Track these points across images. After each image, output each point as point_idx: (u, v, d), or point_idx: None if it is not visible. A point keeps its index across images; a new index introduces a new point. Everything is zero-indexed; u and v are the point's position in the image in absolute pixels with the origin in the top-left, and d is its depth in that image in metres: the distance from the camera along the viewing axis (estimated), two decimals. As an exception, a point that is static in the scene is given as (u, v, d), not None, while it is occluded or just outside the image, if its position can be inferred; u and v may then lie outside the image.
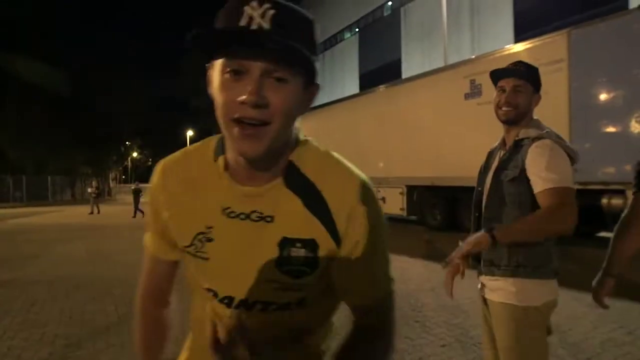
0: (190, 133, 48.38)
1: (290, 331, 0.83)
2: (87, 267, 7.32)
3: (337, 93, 30.17)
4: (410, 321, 4.25)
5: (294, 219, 0.76)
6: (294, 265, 0.76)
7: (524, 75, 1.81)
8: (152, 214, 0.89)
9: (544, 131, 1.74)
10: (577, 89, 7.51)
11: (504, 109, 1.81)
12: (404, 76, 25.07)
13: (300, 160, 0.79)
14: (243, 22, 0.68)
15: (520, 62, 1.86)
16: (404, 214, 12.08)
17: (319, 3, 41.57)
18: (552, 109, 7.89)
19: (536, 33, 9.12)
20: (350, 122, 14.40)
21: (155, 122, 49.65)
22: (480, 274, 1.86)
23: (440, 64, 15.62)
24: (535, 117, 1.86)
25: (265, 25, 0.68)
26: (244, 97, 0.67)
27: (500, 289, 1.74)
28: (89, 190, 22.09)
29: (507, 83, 1.82)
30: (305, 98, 0.77)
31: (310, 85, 0.77)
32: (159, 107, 48.75)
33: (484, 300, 1.86)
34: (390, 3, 31.90)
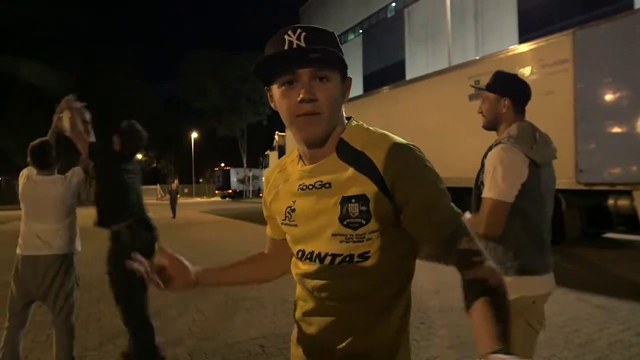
0: (194, 135, 48.48)
1: (360, 285, 0.97)
2: (93, 268, 7.33)
3: (341, 94, 30.18)
4: (416, 323, 4.25)
5: (348, 181, 0.96)
6: (352, 218, 0.94)
7: (487, 87, 2.01)
8: (264, 208, 1.19)
9: (507, 136, 1.86)
10: (582, 89, 7.48)
11: (483, 119, 2.03)
12: (408, 77, 25.05)
13: (350, 137, 1.00)
14: (286, 47, 0.92)
15: (493, 74, 2.04)
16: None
17: (322, 5, 41.71)
18: (557, 109, 7.88)
19: (541, 33, 9.12)
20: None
21: (160, 124, 49.79)
22: None
23: (444, 65, 15.61)
24: (527, 119, 1.97)
25: (302, 44, 0.91)
26: (300, 96, 0.92)
27: None
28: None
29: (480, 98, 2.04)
30: (344, 90, 1.01)
31: (345, 79, 1.01)
32: (163, 109, 48.83)
33: None
34: (394, 4, 31.91)
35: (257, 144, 40.40)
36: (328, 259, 0.98)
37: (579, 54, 7.49)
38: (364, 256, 0.95)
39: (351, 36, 37.48)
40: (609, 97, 7.28)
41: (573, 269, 6.65)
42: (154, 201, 41.76)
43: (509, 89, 1.97)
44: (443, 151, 10.40)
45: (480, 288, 0.88)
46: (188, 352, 3.56)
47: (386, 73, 29.64)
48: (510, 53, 8.94)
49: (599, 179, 7.39)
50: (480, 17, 23.74)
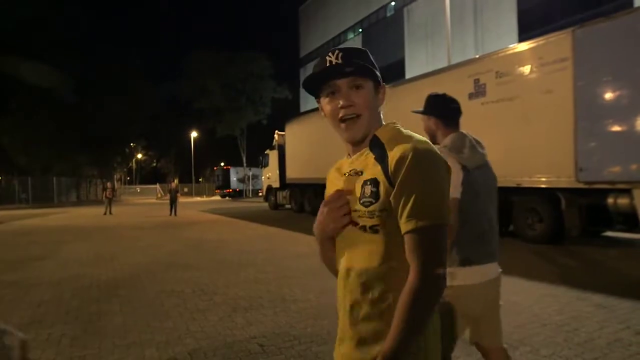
0: (194, 134, 48.45)
1: (371, 252, 1.12)
2: (92, 268, 7.34)
3: (341, 93, 30.17)
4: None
5: (369, 168, 1.15)
6: (365, 198, 1.12)
7: (419, 111, 2.38)
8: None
9: (442, 146, 2.18)
10: (581, 87, 7.47)
11: None
12: (407, 76, 25.04)
13: (381, 133, 1.18)
14: (327, 64, 1.16)
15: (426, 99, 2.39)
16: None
17: (322, 4, 41.67)
18: (556, 108, 7.88)
19: (540, 32, 9.10)
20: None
21: (160, 123, 49.75)
22: None
23: (444, 64, 15.60)
24: (462, 131, 2.27)
25: (339, 61, 1.15)
26: (340, 103, 1.16)
27: None
28: (105, 192, 22.26)
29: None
30: (379, 95, 1.21)
31: (379, 86, 1.21)
32: (163, 109, 48.75)
33: None
34: (393, 3, 31.90)
35: (257, 144, 40.35)
36: (349, 226, 1.17)
37: (578, 52, 7.48)
38: (374, 229, 1.11)
39: (351, 35, 37.45)
40: (608, 95, 7.28)
41: (573, 268, 6.65)
42: (153, 200, 41.71)
43: (434, 109, 2.33)
44: (443, 150, 10.39)
45: (403, 296, 1.05)
46: (188, 352, 3.56)
47: (386, 72, 29.50)
48: (510, 51, 8.93)
49: (598, 178, 7.38)
50: (480, 15, 23.72)
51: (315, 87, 1.22)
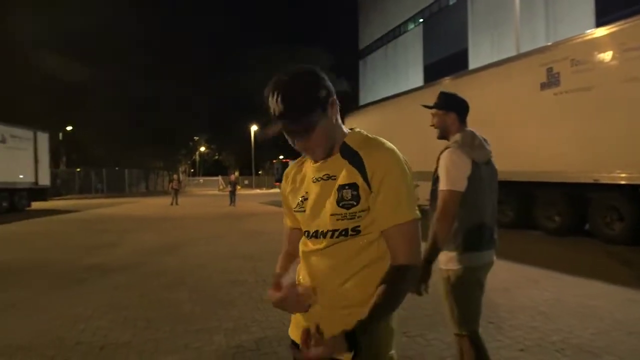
0: (254, 127, 49.58)
1: (350, 250, 1.22)
2: (161, 256, 7.71)
3: (401, 86, 29.64)
4: (484, 322, 4.04)
5: (344, 173, 1.22)
6: (346, 201, 1.20)
7: (435, 105, 2.50)
8: (282, 199, 1.44)
9: (455, 142, 2.32)
10: (672, 75, 6.81)
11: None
12: (470, 67, 24.11)
13: (351, 140, 1.27)
14: (272, 112, 1.17)
15: (438, 95, 2.52)
16: (472, 209, 11.61)
17: (381, -5, 40.92)
18: (641, 96, 7.23)
19: (619, 16, 8.36)
20: (416, 115, 14.04)
21: (221, 117, 51.37)
22: None
23: (510, 53, 14.82)
24: (468, 130, 2.40)
25: (280, 107, 1.15)
26: (297, 147, 1.24)
27: (440, 260, 2.35)
28: (172, 183, 23.41)
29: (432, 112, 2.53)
30: (330, 112, 1.23)
31: (328, 104, 1.22)
32: (225, 103, 50.28)
33: None
34: (456, -9, 30.73)
35: (316, 137, 40.57)
36: (329, 234, 1.23)
37: (669, 36, 6.82)
38: (355, 230, 1.21)
39: (411, 26, 36.58)
40: None
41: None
42: (215, 192, 43.22)
43: (454, 105, 2.45)
44: (512, 145, 9.90)
45: (382, 286, 1.16)
46: (254, 340, 3.63)
47: (447, 63, 28.67)
48: (588, 37, 8.30)
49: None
50: (552, 0, 22.30)
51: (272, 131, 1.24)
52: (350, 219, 1.20)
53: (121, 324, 4.07)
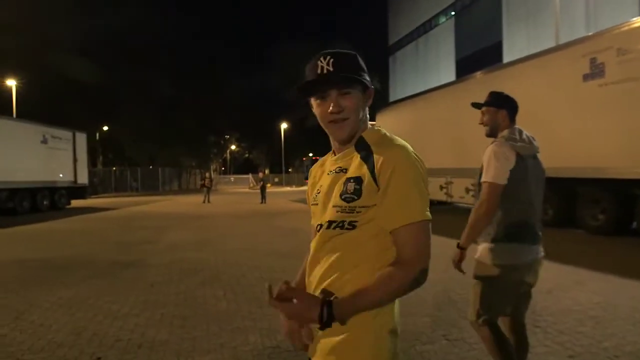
0: (284, 125, 49.80)
1: (347, 254, 1.20)
2: (195, 253, 7.79)
3: (433, 81, 29.11)
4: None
5: (354, 167, 1.24)
6: (348, 194, 1.20)
7: (486, 103, 2.55)
8: (307, 197, 1.46)
9: (502, 137, 2.40)
10: None
11: (484, 128, 2.58)
12: (505, 60, 23.42)
13: (368, 136, 1.27)
14: (319, 71, 1.22)
15: (488, 94, 2.57)
16: (509, 207, 11.25)
17: (412, -11, 40.27)
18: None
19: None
20: (448, 110, 13.74)
21: (252, 115, 51.83)
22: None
23: (548, 44, 14.28)
24: (516, 127, 2.47)
25: (330, 68, 1.21)
26: (330, 109, 1.23)
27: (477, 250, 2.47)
28: (204, 181, 23.82)
29: (481, 111, 2.59)
30: (366, 98, 1.28)
31: (367, 90, 1.27)
32: (254, 101, 50.73)
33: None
34: (490, -18, 29.89)
35: (345, 134, 40.52)
36: (326, 224, 1.23)
37: None
38: (352, 224, 1.19)
39: (442, 19, 35.86)
40: None
41: None
42: (246, 190, 43.67)
43: (507, 103, 2.51)
44: (553, 139, 9.51)
45: (378, 276, 1.15)
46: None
47: (480, 56, 27.95)
48: (635, 25, 7.86)
49: None
50: (592, -12, 21.39)
51: (307, 92, 1.29)
52: (349, 212, 1.19)
53: (158, 322, 4.10)
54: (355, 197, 1.18)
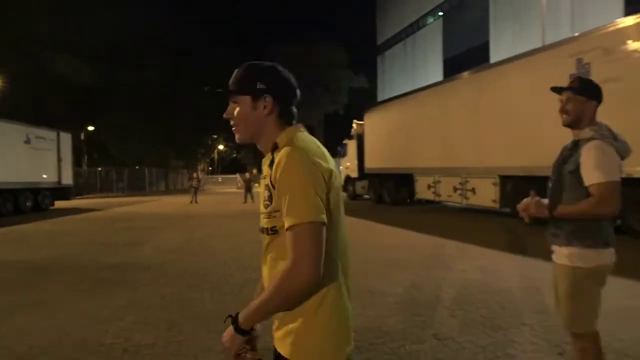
0: (272, 125, 49.59)
1: (277, 249, 1.24)
2: (182, 254, 7.69)
3: (421, 80, 29.24)
4: (516, 323, 3.89)
5: (267, 174, 1.27)
6: (266, 201, 1.25)
7: (573, 89, 2.29)
8: None
9: (597, 133, 2.16)
10: None
11: (563, 116, 2.32)
12: (492, 60, 23.61)
13: (280, 139, 1.29)
14: None
15: (575, 79, 2.35)
16: (497, 206, 11.32)
17: (399, -11, 40.40)
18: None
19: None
20: (436, 110, 13.80)
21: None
22: (551, 243, 2.42)
23: (534, 45, 14.41)
24: (601, 123, 2.25)
25: (230, 81, 1.36)
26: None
27: (562, 255, 2.31)
28: (192, 181, 23.65)
29: (562, 96, 2.32)
30: (259, 105, 1.32)
31: (259, 98, 1.32)
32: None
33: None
34: (477, -17, 30.11)
35: (335, 133, 40.48)
36: (262, 230, 1.30)
37: None
38: (274, 229, 1.24)
39: (430, 19, 36.05)
40: None
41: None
42: (234, 190, 43.41)
43: (598, 94, 2.28)
44: (539, 138, 9.59)
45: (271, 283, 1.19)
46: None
47: (468, 57, 28.13)
48: (620, 26, 7.96)
49: None
50: (577, -11, 21.64)
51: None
52: (270, 218, 1.24)
53: (143, 325, 4.01)
54: (269, 203, 1.23)
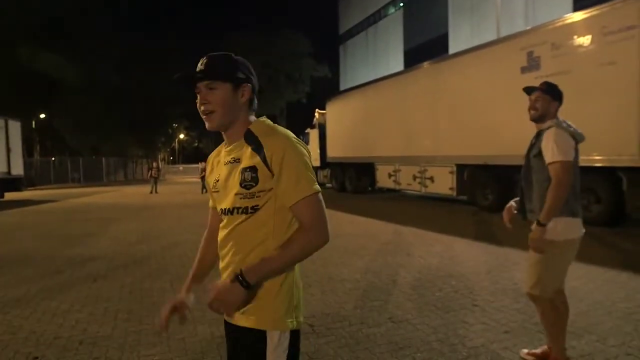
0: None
1: (250, 226, 1.38)
2: (142, 245, 7.57)
3: (382, 70, 29.54)
4: (468, 305, 4.10)
5: (247, 157, 1.39)
6: (247, 182, 1.36)
7: (542, 90, 2.76)
8: (206, 182, 1.63)
9: (554, 123, 2.66)
10: (650, 58, 6.89)
11: (531, 112, 2.80)
12: (450, 51, 24.14)
13: (254, 128, 1.43)
14: (197, 69, 1.41)
15: (543, 83, 2.81)
16: (454, 194, 11.71)
17: (361, -22, 40.47)
18: (620, 81, 7.33)
19: (596, 0, 8.42)
20: (396, 100, 14.03)
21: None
22: (529, 219, 2.81)
23: (490, 37, 14.87)
24: (560, 117, 2.75)
25: (202, 67, 1.40)
26: (199, 104, 1.43)
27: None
28: (151, 171, 22.98)
29: (532, 96, 2.79)
30: (239, 93, 1.43)
31: (239, 86, 1.43)
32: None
33: None
34: (437, -25, 30.55)
35: (297, 122, 40.38)
36: (234, 210, 1.40)
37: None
38: (254, 208, 1.37)
39: (391, 10, 36.36)
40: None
41: (636, 252, 6.26)
42: (196, 179, 42.74)
43: (559, 96, 2.76)
44: (493, 128, 9.97)
45: (283, 243, 1.36)
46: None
47: (428, 48, 28.63)
48: (569, 21, 8.33)
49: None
50: (530, -16, 22.38)
51: (183, 85, 1.45)
52: (250, 198, 1.36)
53: (101, 317, 3.97)
54: (254, 184, 1.35)
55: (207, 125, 1.44)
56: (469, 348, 3.16)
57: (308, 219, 1.35)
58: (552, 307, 2.73)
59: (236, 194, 1.38)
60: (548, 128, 2.64)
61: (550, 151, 2.54)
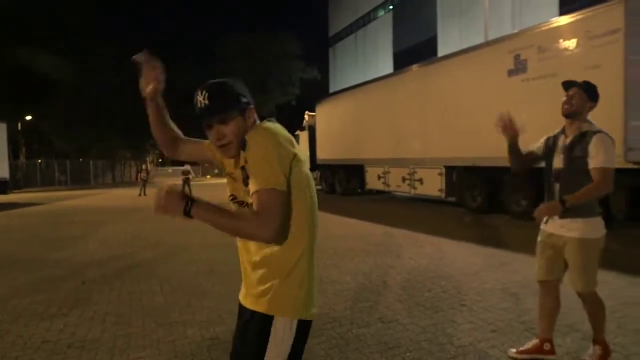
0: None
1: None
2: (131, 248, 7.52)
3: (371, 73, 29.65)
4: (456, 304, 4.14)
5: (242, 158, 1.44)
6: (244, 179, 1.44)
7: (581, 87, 2.75)
8: (207, 144, 1.75)
9: (599, 128, 2.69)
10: (634, 62, 7.02)
11: (565, 106, 2.77)
12: (439, 54, 24.34)
13: (248, 135, 1.44)
14: (198, 105, 1.47)
15: (584, 82, 2.79)
16: (443, 195, 11.80)
17: (351, -19, 40.63)
18: (604, 84, 7.39)
19: (583, 4, 8.56)
20: (385, 102, 14.11)
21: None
22: (560, 218, 2.80)
23: (478, 40, 15.02)
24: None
25: (206, 102, 1.45)
26: (214, 139, 1.49)
27: (572, 228, 2.77)
28: (140, 173, 22.79)
29: (570, 91, 2.76)
30: (246, 117, 1.50)
31: (245, 110, 1.50)
32: (190, 90, 49.25)
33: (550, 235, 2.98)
34: (425, -22, 30.81)
35: (287, 125, 40.36)
36: (240, 201, 1.51)
37: (631, 23, 7.01)
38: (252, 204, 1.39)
39: (381, 12, 36.57)
40: (663, 69, 6.82)
41: (621, 253, 6.36)
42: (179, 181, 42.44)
43: (596, 98, 2.77)
44: (480, 130, 10.04)
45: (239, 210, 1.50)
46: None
47: (417, 50, 28.83)
48: (554, 24, 8.47)
49: (648, 157, 6.99)
50: (517, -12, 22.67)
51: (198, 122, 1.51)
52: (250, 195, 1.39)
53: (89, 320, 3.94)
54: (247, 180, 1.41)
55: (225, 156, 1.53)
56: (457, 347, 3.20)
57: (257, 208, 1.34)
58: (597, 297, 2.87)
59: (243, 190, 1.47)
60: (596, 132, 2.67)
61: (601, 156, 2.60)
